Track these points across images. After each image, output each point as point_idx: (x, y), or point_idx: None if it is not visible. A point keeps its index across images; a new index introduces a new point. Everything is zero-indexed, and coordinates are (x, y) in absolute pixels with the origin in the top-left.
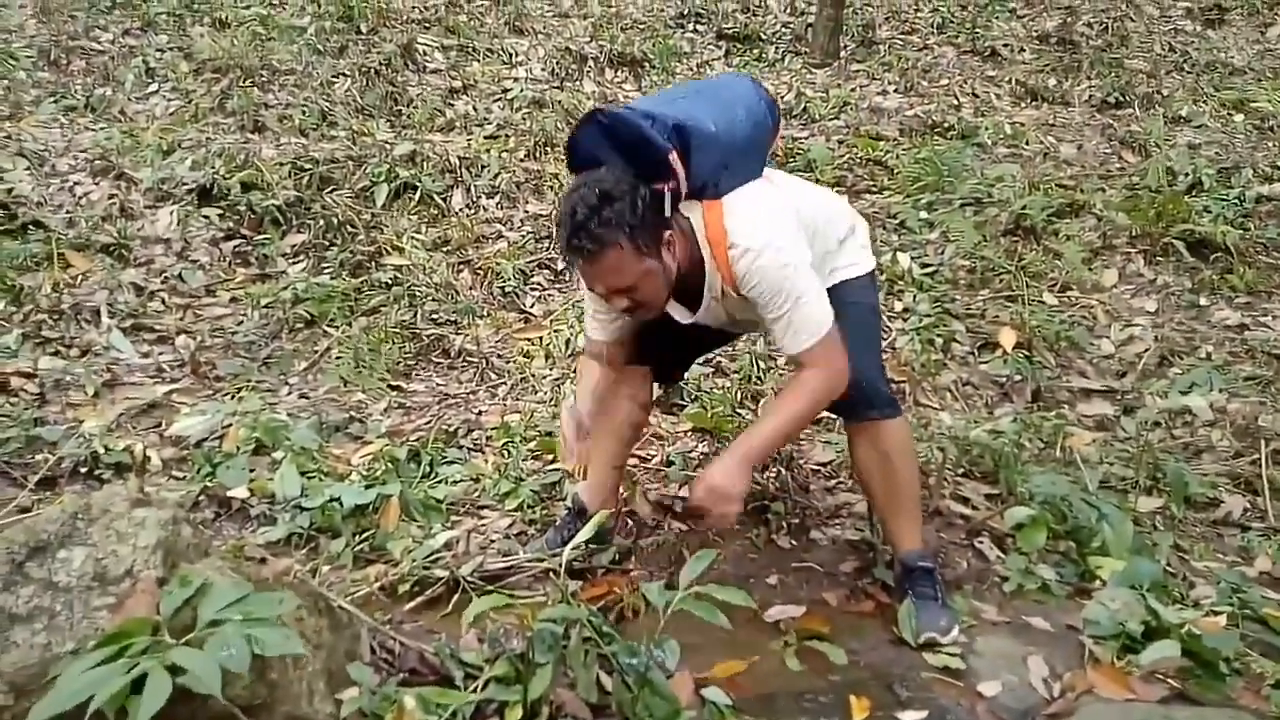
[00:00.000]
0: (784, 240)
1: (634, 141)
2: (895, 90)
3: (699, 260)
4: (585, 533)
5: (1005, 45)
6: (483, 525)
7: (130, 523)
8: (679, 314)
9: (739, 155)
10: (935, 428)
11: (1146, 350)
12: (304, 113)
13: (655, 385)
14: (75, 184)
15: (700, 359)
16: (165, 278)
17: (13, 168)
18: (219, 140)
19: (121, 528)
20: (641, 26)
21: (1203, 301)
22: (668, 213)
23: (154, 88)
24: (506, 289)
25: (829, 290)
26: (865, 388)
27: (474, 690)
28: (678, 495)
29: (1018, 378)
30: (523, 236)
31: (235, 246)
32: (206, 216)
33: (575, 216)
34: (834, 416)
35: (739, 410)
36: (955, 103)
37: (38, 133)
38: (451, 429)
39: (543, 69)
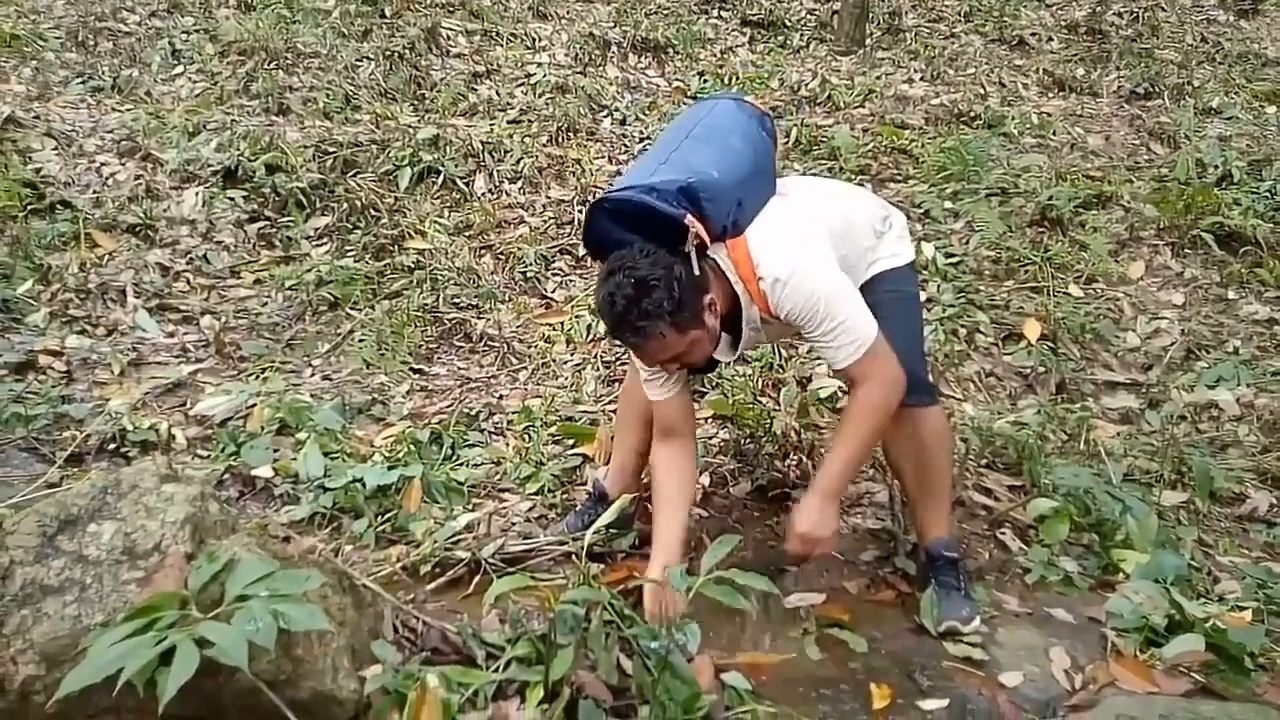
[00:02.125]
0: (812, 261)
1: (647, 219)
2: (921, 78)
3: (734, 297)
4: (608, 516)
5: (1033, 34)
6: (504, 508)
7: (159, 498)
8: (723, 354)
9: (748, 188)
10: (959, 418)
11: (1173, 343)
12: (328, 96)
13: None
14: (102, 164)
15: None
16: (190, 259)
17: (41, 148)
18: (244, 122)
19: (151, 503)
20: (665, 12)
21: (1231, 295)
22: (697, 272)
23: (180, 69)
24: (528, 274)
25: (870, 281)
26: (908, 370)
27: (496, 670)
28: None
29: (1042, 369)
30: (544, 222)
31: (259, 228)
32: (231, 198)
33: (615, 308)
34: None
35: (760, 398)
36: (982, 92)
37: (65, 113)
38: (473, 412)
39: (566, 54)
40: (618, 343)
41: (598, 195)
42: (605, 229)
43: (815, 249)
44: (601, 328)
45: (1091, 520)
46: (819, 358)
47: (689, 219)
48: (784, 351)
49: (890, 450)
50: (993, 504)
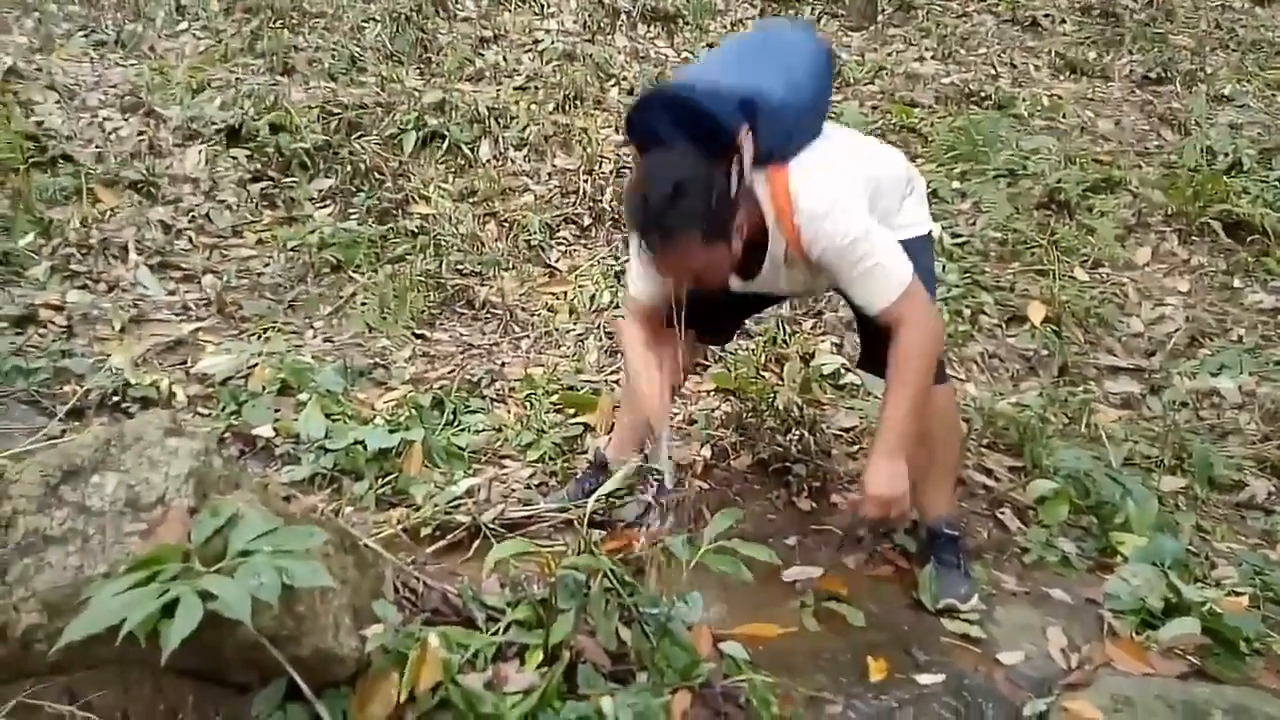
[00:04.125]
0: (851, 201)
1: (699, 121)
2: (932, 57)
3: (763, 228)
4: (612, 483)
5: (1046, 15)
6: (504, 474)
7: (163, 451)
8: (735, 283)
9: (802, 121)
10: (961, 398)
11: (1177, 330)
12: (333, 57)
13: (701, 346)
14: (105, 119)
15: (750, 319)
16: (193, 217)
17: (43, 100)
18: (248, 81)
19: (154, 455)
20: None
21: (1236, 283)
22: (734, 191)
23: (184, 25)
24: (532, 242)
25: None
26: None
27: (496, 633)
28: (848, 510)
29: (1045, 352)
30: (549, 190)
31: (263, 188)
32: (234, 157)
33: (648, 207)
34: (859, 381)
35: (763, 373)
36: (993, 72)
37: (68, 66)
38: (475, 379)
39: (574, 21)
40: (641, 243)
41: (657, 86)
42: (655, 121)
43: (857, 192)
44: (605, 297)
45: (1091, 503)
46: (850, 304)
47: (744, 132)
48: (788, 327)
49: None
50: (993, 484)
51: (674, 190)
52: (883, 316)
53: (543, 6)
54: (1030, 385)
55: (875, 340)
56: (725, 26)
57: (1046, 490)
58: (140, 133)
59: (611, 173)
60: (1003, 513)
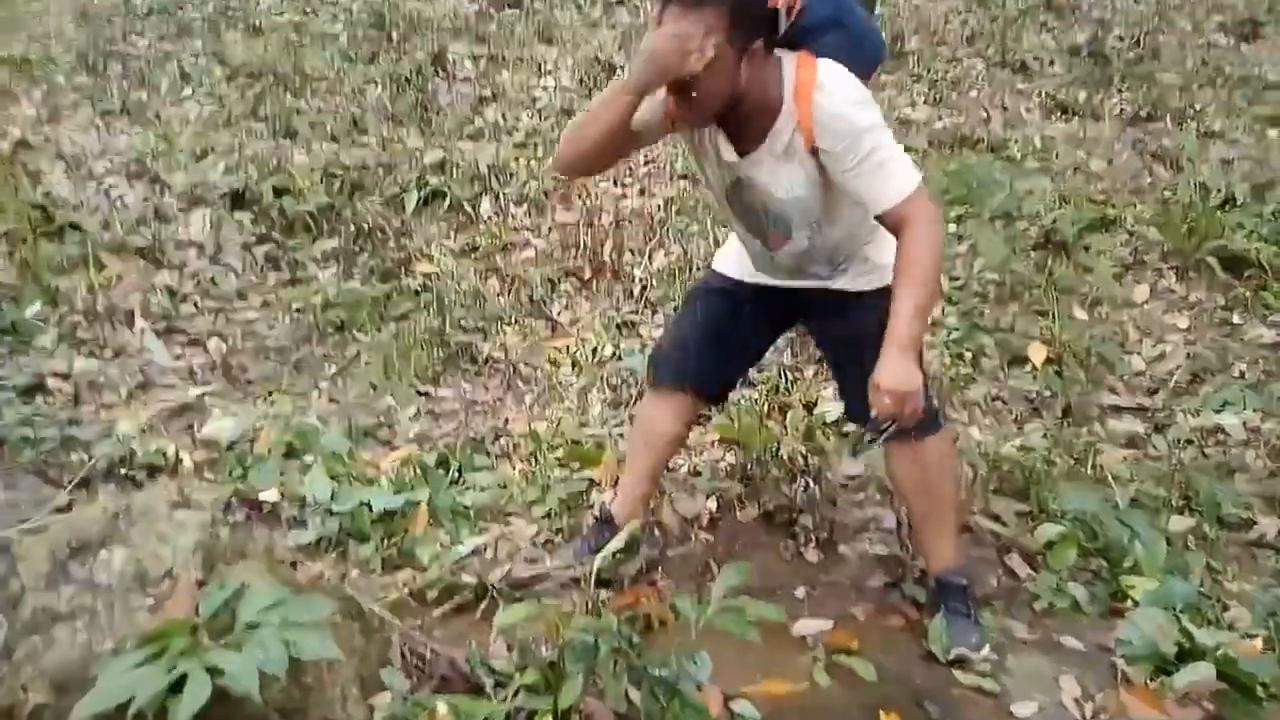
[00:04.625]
0: (872, 103)
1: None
2: (924, 102)
3: (774, 104)
4: (617, 542)
5: (1035, 58)
6: (510, 533)
7: (171, 524)
8: (726, 150)
9: (840, 43)
10: (965, 442)
11: (1178, 367)
12: (335, 119)
13: (703, 402)
14: (111, 187)
15: (746, 373)
16: (198, 281)
17: (51, 170)
18: (251, 145)
19: (162, 529)
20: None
21: (1236, 319)
22: (775, 30)
23: (188, 92)
24: (534, 297)
25: (877, 291)
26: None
27: (504, 699)
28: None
29: (1048, 393)
30: (550, 244)
31: (267, 251)
32: (239, 221)
33: None
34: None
35: (766, 421)
36: (985, 115)
37: (75, 136)
38: (479, 436)
39: (571, 78)
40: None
41: None
42: None
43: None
44: (607, 349)
45: (1099, 546)
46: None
47: None
48: (789, 374)
49: (895, 476)
50: (1000, 529)
51: None
52: (890, 216)
53: (540, 65)
54: (1034, 427)
55: (857, 388)
56: None
57: (1054, 534)
58: (145, 199)
59: (611, 224)
60: (1011, 559)
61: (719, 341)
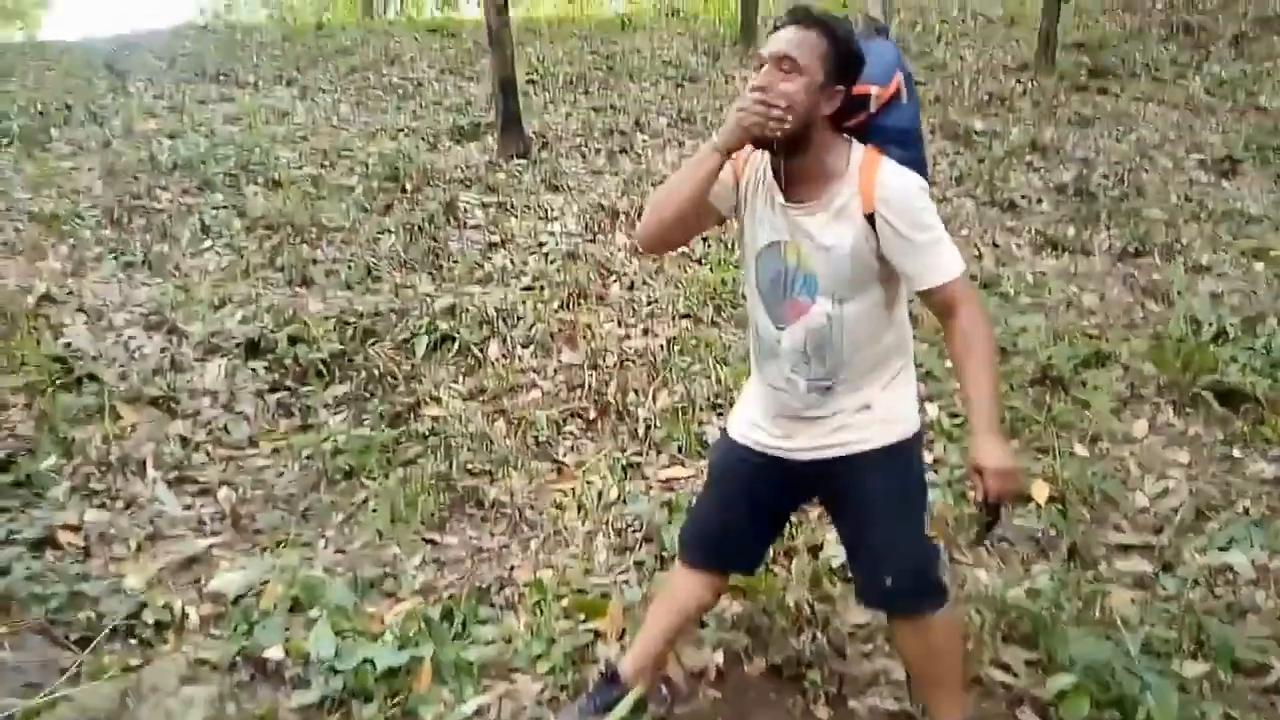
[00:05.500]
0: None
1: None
2: None
3: (837, 171)
4: (623, 707)
5: (1023, 196)
6: (515, 690)
7: (179, 700)
8: (776, 191)
9: (909, 162)
10: (972, 587)
11: (1182, 504)
12: (350, 267)
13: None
14: (130, 338)
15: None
16: (210, 429)
17: (72, 322)
18: (268, 295)
19: (171, 706)
20: None
21: (1236, 453)
22: (856, 107)
23: (208, 244)
24: (540, 438)
25: (885, 450)
26: (915, 575)
27: None
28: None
29: (1053, 532)
30: (556, 385)
31: (279, 398)
32: (253, 369)
33: (817, 10)
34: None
35: (772, 568)
36: (976, 253)
37: (98, 288)
38: (484, 585)
39: (576, 223)
40: (781, 30)
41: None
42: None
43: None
44: (613, 492)
45: (1112, 696)
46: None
47: (898, 78)
48: (794, 518)
49: (901, 648)
50: (1011, 680)
51: (840, 22)
52: (938, 293)
53: (546, 211)
54: (1041, 569)
55: (874, 571)
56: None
57: (1066, 684)
58: (163, 349)
59: (615, 365)
60: (1022, 711)
61: (743, 522)
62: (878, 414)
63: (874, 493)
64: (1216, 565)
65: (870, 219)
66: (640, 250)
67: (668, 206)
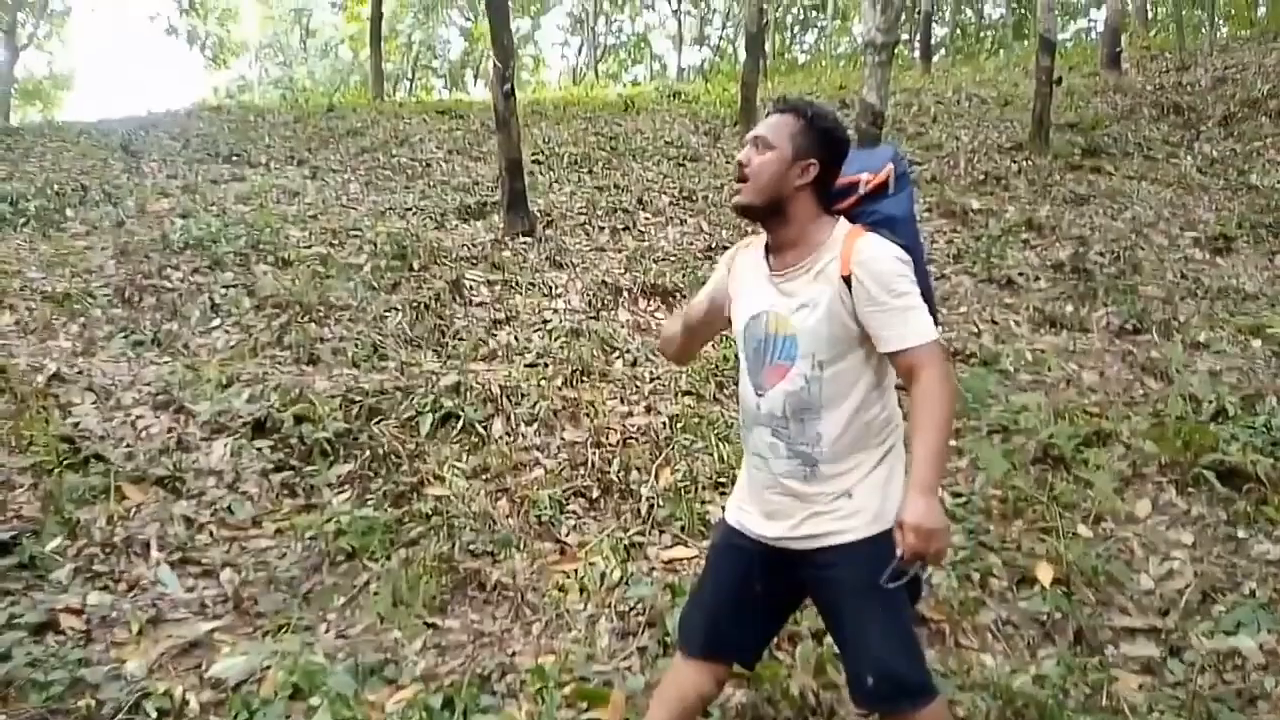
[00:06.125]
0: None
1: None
2: None
3: (820, 243)
4: None
5: (1020, 274)
6: None
7: None
8: (765, 266)
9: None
10: (976, 674)
11: (1188, 586)
12: (357, 345)
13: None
14: (137, 417)
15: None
16: (215, 510)
17: (81, 402)
18: (276, 374)
19: None
20: (673, 259)
21: (1240, 534)
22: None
23: (217, 323)
24: (542, 518)
25: (861, 543)
26: (895, 676)
27: None
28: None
29: (1058, 615)
30: (559, 464)
31: (284, 478)
32: (259, 448)
33: (797, 98)
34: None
35: (775, 654)
36: (975, 330)
37: (107, 367)
38: (485, 672)
39: (580, 300)
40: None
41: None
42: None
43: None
44: (615, 574)
45: None
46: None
47: (889, 168)
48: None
49: None
50: None
51: (812, 106)
52: (905, 356)
53: (550, 288)
54: (1047, 653)
55: (856, 670)
56: None
57: None
58: (170, 429)
59: (618, 443)
60: None
61: (736, 610)
62: (857, 503)
63: (851, 589)
64: (1224, 649)
65: (847, 280)
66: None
67: (672, 340)
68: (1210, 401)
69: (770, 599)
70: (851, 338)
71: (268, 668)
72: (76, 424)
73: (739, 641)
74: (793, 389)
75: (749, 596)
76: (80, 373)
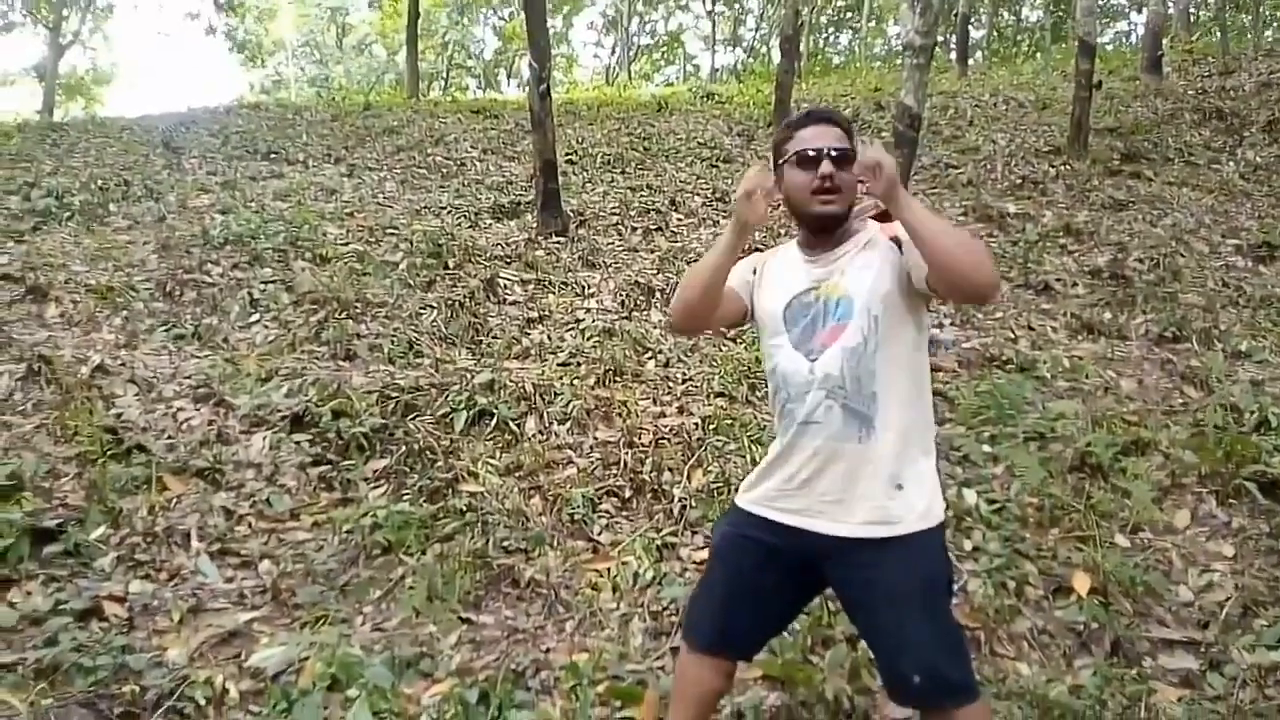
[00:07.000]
0: None
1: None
2: (951, 323)
3: (854, 230)
4: None
5: (1058, 280)
6: None
7: None
8: (802, 260)
9: None
10: (1013, 682)
11: (1228, 599)
12: (393, 342)
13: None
14: (178, 410)
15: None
16: (253, 502)
17: (124, 393)
18: (314, 369)
19: None
20: None
21: None
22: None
23: (256, 317)
24: (575, 516)
25: (903, 540)
26: (943, 673)
27: None
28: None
29: (1095, 625)
30: (591, 463)
31: (321, 472)
32: (297, 442)
33: (839, 113)
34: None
35: (810, 657)
36: (1012, 336)
37: (149, 359)
38: (520, 668)
39: (613, 300)
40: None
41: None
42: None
43: None
44: (649, 574)
45: None
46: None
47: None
48: (832, 605)
49: None
50: None
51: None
52: None
53: (583, 288)
54: (1083, 663)
55: (900, 668)
56: None
57: None
58: (210, 421)
59: (650, 443)
60: None
61: (746, 600)
62: (908, 494)
63: (897, 586)
64: (1266, 664)
65: (896, 241)
66: (673, 329)
67: (693, 286)
68: (1252, 412)
69: (780, 594)
70: (904, 292)
71: (306, 659)
72: (119, 415)
73: (745, 635)
74: (850, 344)
75: (761, 590)
76: (123, 365)
